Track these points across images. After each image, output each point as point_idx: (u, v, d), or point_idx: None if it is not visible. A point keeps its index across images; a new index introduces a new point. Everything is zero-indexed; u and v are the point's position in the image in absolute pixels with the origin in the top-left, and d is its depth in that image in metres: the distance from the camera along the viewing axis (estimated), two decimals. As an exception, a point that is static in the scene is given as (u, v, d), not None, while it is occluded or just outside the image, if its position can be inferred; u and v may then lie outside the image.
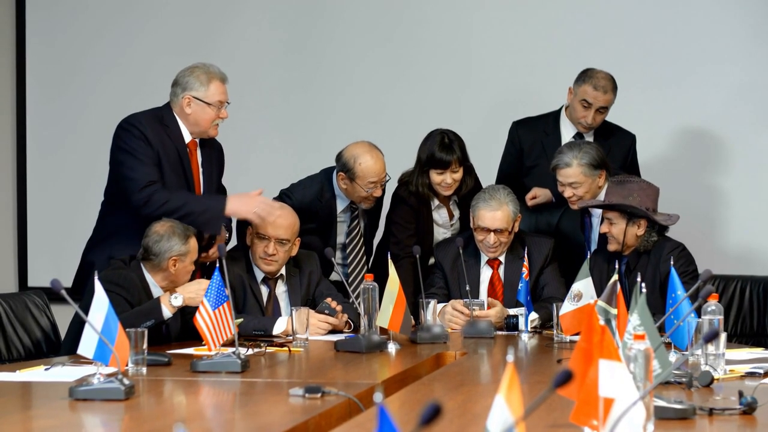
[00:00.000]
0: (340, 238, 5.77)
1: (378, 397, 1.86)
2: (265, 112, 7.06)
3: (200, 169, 5.30)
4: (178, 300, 4.62)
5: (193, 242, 4.81)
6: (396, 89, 7.00)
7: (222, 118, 5.22)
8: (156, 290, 4.80)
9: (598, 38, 6.80)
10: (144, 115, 5.22)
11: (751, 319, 5.73)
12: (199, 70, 5.21)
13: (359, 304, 4.75)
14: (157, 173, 5.11)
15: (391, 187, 5.86)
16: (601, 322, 2.68)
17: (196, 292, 4.64)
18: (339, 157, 5.66)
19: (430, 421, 1.77)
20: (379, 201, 5.90)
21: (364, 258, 5.83)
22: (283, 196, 5.72)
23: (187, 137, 5.24)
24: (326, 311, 5.09)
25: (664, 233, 5.36)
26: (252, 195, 5.22)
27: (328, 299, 5.15)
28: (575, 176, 5.53)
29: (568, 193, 5.57)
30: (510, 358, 2.12)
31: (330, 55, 7.07)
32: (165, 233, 4.77)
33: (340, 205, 5.74)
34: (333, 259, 5.33)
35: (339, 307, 5.12)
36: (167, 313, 4.62)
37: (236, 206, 5.17)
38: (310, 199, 5.67)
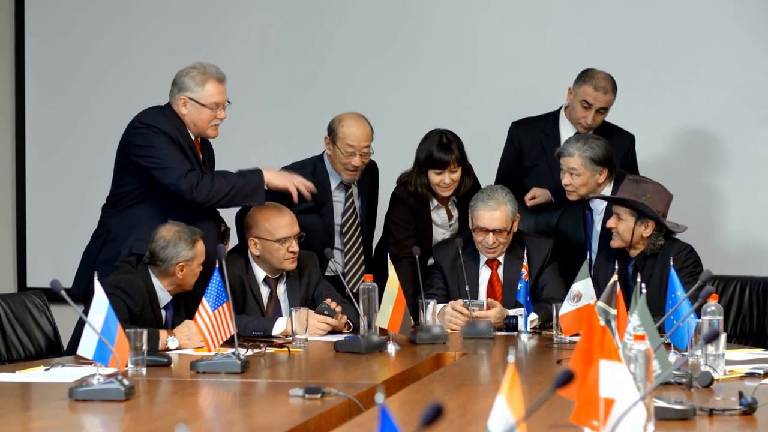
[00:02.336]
0: (337, 219, 5.77)
1: (380, 397, 1.85)
2: (267, 113, 7.06)
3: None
4: (174, 343, 4.61)
5: (200, 246, 4.79)
6: (397, 90, 6.99)
7: (220, 119, 5.19)
8: (162, 294, 4.79)
9: (598, 38, 6.79)
10: (154, 112, 5.20)
11: (750, 319, 5.72)
12: (195, 71, 5.18)
13: (359, 304, 4.73)
14: (188, 162, 5.10)
15: (390, 187, 5.86)
16: (602, 322, 2.68)
17: (188, 337, 4.62)
18: (329, 123, 5.73)
19: (432, 422, 1.77)
20: (374, 189, 5.91)
21: (361, 238, 5.81)
22: None
23: (191, 137, 5.23)
24: (326, 312, 5.09)
25: (670, 237, 5.34)
26: (285, 171, 5.32)
27: (328, 300, 5.15)
28: (575, 164, 5.54)
29: (566, 180, 5.58)
30: (511, 358, 2.12)
31: (332, 57, 7.07)
32: (172, 239, 4.75)
33: (333, 183, 5.76)
34: (332, 259, 5.34)
35: (338, 308, 5.12)
36: (161, 347, 4.60)
37: (272, 176, 5.22)
38: (305, 177, 5.69)
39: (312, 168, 5.72)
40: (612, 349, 2.60)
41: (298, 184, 5.29)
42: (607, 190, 5.56)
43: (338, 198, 5.77)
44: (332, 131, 5.67)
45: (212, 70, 5.19)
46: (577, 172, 5.55)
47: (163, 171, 5.06)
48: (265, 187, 5.21)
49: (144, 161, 5.10)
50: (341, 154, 5.63)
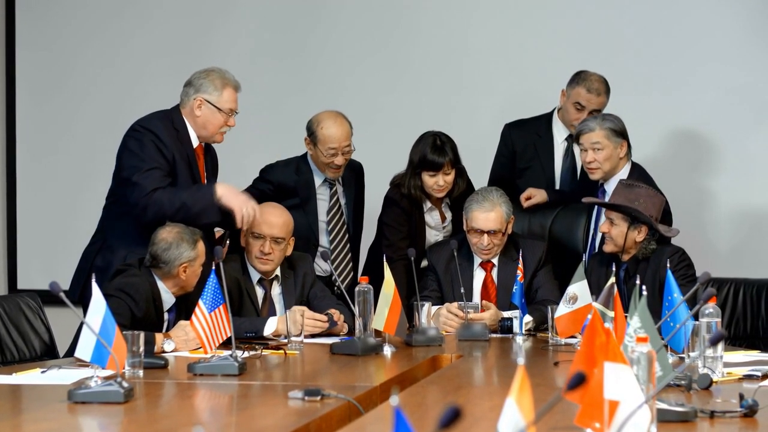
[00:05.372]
0: (321, 217, 5.77)
1: (394, 399, 1.85)
2: (258, 115, 7.04)
3: (205, 175, 5.26)
4: (170, 345, 4.58)
5: (201, 246, 4.76)
6: (390, 92, 6.99)
7: (230, 126, 5.19)
8: (167, 296, 4.77)
9: (591, 40, 6.80)
10: (157, 118, 5.16)
11: (744, 321, 5.73)
12: (215, 74, 5.17)
13: (355, 306, 4.72)
14: (164, 180, 5.03)
15: (382, 189, 5.85)
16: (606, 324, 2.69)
17: (185, 341, 4.60)
18: (308, 124, 5.71)
19: (450, 424, 1.76)
20: (360, 190, 5.92)
21: (347, 236, 5.81)
22: (262, 182, 5.75)
23: (195, 142, 5.20)
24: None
25: (662, 241, 5.35)
26: (243, 193, 5.17)
27: (332, 310, 5.12)
28: (598, 137, 5.51)
29: (589, 157, 5.54)
30: (521, 360, 2.11)
31: (325, 59, 7.07)
32: (173, 241, 4.72)
33: (318, 180, 5.75)
34: (328, 261, 5.32)
35: (341, 317, 5.09)
36: (157, 350, 4.58)
37: (225, 194, 5.06)
38: (288, 176, 5.68)
39: (295, 167, 5.75)
40: (617, 351, 2.60)
41: (246, 212, 5.07)
42: (626, 168, 5.55)
43: (323, 196, 5.78)
44: (312, 133, 5.67)
45: (230, 77, 5.19)
46: (600, 145, 5.52)
47: (132, 187, 5.02)
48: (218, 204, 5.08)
49: (125, 168, 5.07)
50: (323, 156, 5.62)
